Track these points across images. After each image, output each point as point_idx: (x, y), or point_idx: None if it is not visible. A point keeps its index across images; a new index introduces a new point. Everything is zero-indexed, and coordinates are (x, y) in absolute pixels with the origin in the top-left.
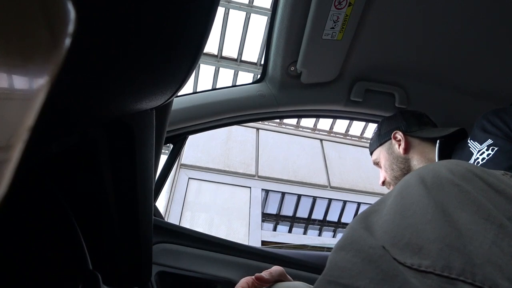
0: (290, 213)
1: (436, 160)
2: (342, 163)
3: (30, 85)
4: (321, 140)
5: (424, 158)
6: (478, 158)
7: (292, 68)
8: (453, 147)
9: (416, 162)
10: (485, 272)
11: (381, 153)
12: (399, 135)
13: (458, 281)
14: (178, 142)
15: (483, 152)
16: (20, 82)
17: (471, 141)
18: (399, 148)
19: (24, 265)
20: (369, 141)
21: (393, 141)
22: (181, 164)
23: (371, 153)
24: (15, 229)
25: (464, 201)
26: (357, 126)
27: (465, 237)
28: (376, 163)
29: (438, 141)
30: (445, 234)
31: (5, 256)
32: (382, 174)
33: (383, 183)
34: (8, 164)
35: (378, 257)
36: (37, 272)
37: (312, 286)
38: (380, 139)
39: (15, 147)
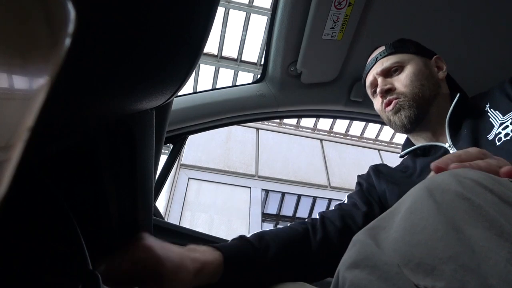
0: (290, 213)
1: (448, 114)
2: (342, 163)
3: (30, 85)
4: (321, 140)
5: (445, 101)
6: (500, 133)
7: (292, 68)
8: (467, 110)
9: (441, 99)
10: None
11: (414, 60)
12: (443, 62)
13: None
14: (178, 142)
15: (507, 126)
16: (20, 82)
17: (491, 109)
18: (438, 72)
19: (24, 265)
20: (396, 44)
21: (433, 62)
22: (181, 164)
23: (394, 53)
24: (15, 229)
25: (475, 216)
26: (357, 126)
27: (478, 255)
28: (395, 68)
29: (458, 94)
30: (458, 253)
31: (4, 256)
32: (394, 83)
33: (388, 91)
34: (8, 164)
35: (394, 274)
36: (37, 272)
37: (312, 286)
38: (419, 49)
39: (15, 147)
